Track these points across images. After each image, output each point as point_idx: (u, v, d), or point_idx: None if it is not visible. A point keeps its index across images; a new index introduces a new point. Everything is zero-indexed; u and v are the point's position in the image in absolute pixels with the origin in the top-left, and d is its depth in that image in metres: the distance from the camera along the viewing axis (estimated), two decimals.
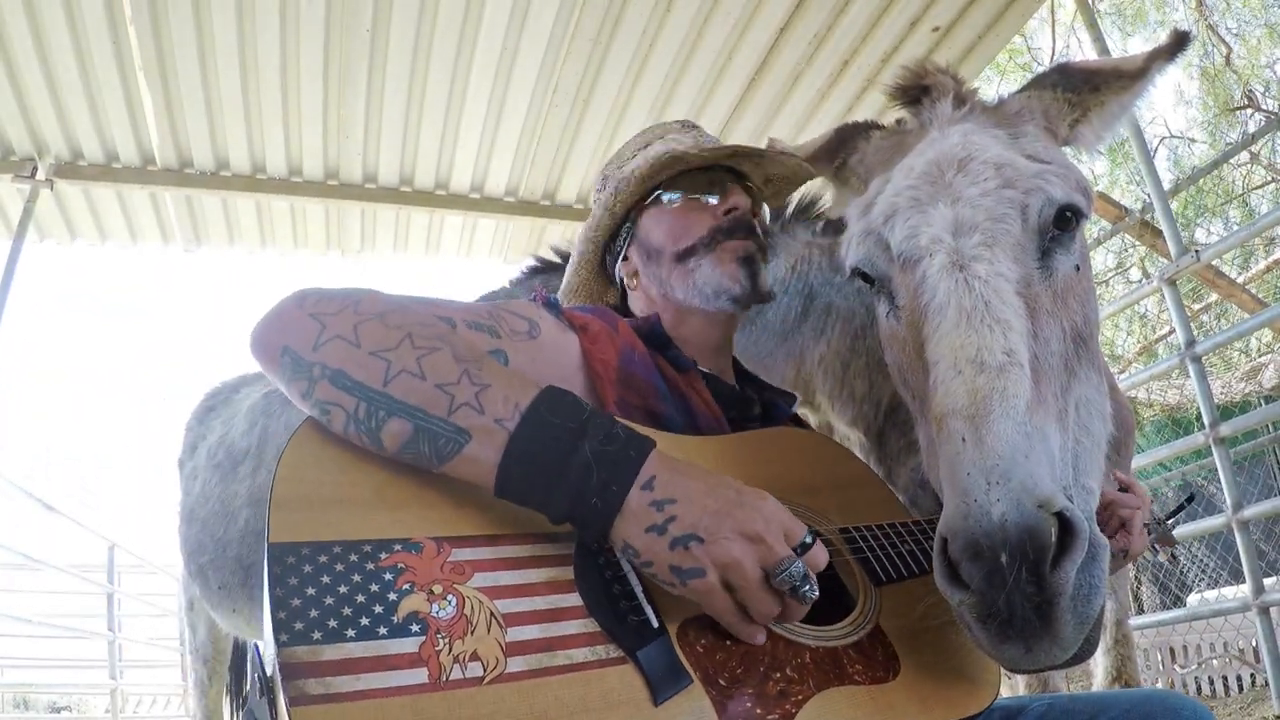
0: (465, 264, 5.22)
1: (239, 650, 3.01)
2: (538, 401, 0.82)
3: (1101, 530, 1.25)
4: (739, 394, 1.28)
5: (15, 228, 3.98)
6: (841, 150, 1.37)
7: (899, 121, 1.31)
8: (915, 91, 1.26)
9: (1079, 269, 1.07)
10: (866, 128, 1.38)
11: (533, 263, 2.21)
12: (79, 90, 3.57)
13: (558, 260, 2.15)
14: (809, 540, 0.81)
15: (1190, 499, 1.50)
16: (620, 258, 1.40)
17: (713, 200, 1.31)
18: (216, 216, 4.57)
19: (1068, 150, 1.26)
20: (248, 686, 0.79)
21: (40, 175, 3.90)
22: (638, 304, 1.38)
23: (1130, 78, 1.23)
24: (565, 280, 1.50)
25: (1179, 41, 1.24)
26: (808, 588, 0.78)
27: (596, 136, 4.22)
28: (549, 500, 0.79)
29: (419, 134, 4.08)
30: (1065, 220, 1.06)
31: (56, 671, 8.09)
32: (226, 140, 3.95)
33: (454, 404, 0.81)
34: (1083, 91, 1.23)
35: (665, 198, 1.33)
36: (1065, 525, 0.80)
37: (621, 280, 1.41)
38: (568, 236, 4.65)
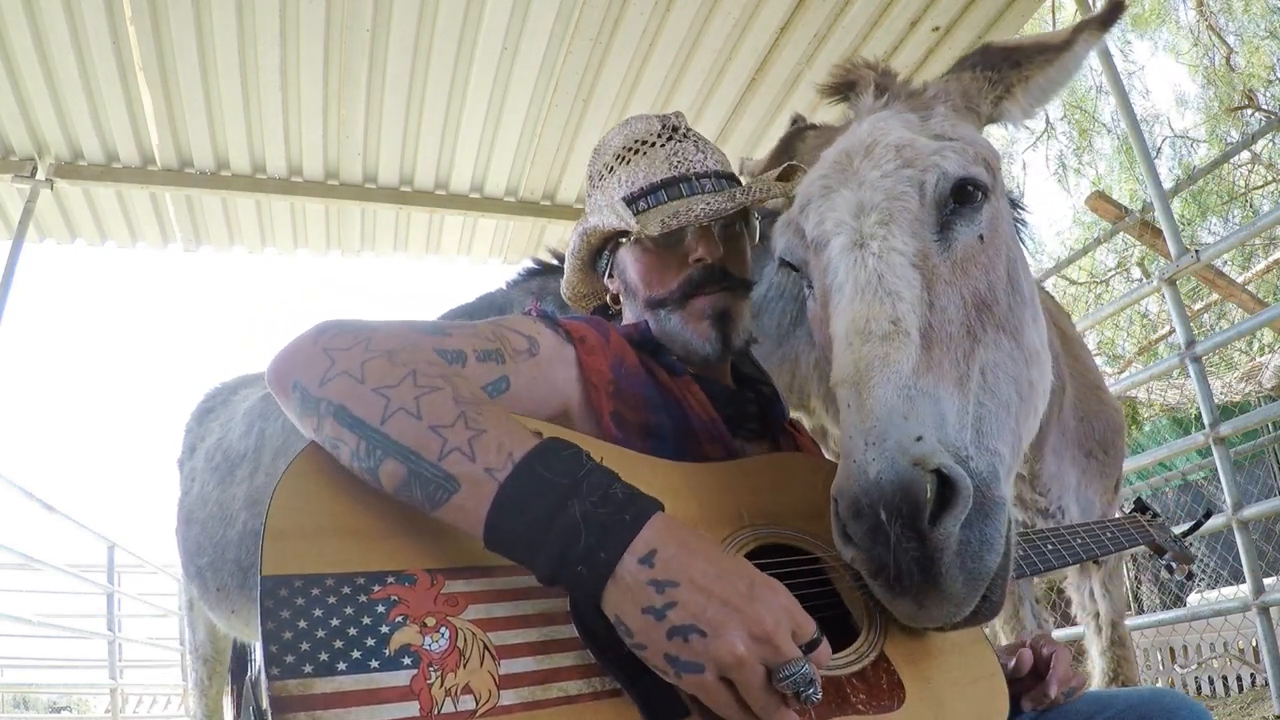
0: (465, 264, 5.22)
1: (239, 650, 3.02)
2: (533, 454, 0.78)
3: (1046, 673, 1.10)
4: (733, 393, 1.27)
5: (15, 228, 3.98)
6: (784, 156, 1.40)
7: None
8: (843, 88, 1.29)
9: (983, 239, 1.09)
10: (803, 130, 1.42)
11: (530, 265, 2.21)
12: (79, 90, 3.57)
13: (555, 263, 2.14)
14: (816, 637, 0.75)
15: (1208, 515, 1.49)
16: (606, 274, 1.36)
17: (687, 237, 1.22)
18: (216, 216, 4.57)
19: (995, 128, 1.29)
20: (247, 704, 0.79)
21: (40, 175, 3.90)
22: (626, 316, 1.35)
23: (1055, 50, 1.25)
24: (565, 279, 1.47)
25: (1112, 10, 1.25)
26: (812, 690, 0.72)
27: (597, 136, 4.19)
28: (534, 561, 0.75)
29: (419, 134, 4.08)
30: (966, 193, 1.08)
31: (56, 671, 8.10)
32: (226, 140, 3.95)
33: (445, 448, 0.78)
34: (1003, 68, 1.25)
35: (634, 241, 1.26)
36: (945, 481, 0.82)
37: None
38: (567, 237, 4.65)
